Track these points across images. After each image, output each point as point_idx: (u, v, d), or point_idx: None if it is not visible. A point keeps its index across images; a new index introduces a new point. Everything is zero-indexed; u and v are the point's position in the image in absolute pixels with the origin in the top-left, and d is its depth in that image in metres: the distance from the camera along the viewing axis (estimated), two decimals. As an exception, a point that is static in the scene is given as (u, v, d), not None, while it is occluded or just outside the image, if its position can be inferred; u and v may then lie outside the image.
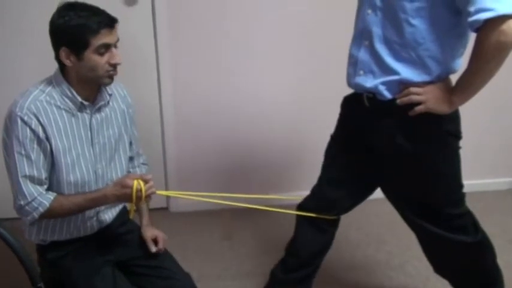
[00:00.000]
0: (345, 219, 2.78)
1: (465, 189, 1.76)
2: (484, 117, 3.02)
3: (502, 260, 1.88)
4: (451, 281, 1.92)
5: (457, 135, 1.70)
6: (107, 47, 1.64)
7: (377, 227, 2.75)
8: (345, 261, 2.46)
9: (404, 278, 2.31)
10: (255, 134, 2.93)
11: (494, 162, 3.21)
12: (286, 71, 2.82)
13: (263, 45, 2.77)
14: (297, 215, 1.98)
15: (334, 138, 1.91)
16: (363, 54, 1.65)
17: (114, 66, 1.67)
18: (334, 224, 1.99)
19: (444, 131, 1.66)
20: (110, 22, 1.63)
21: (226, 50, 2.75)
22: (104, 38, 1.61)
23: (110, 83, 1.73)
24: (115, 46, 1.67)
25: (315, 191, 1.95)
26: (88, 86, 1.71)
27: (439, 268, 1.90)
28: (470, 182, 3.10)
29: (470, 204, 1.79)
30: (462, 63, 1.60)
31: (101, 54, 1.63)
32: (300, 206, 1.97)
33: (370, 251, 2.55)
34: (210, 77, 2.79)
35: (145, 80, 2.75)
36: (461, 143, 1.70)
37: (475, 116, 2.95)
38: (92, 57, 1.63)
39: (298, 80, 2.84)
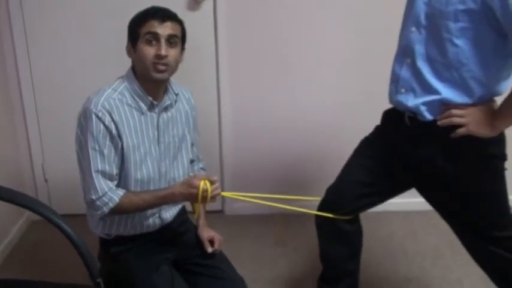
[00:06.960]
0: (401, 230, 2.75)
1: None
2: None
3: None
4: None
5: (502, 157, 1.64)
6: (156, 37, 1.69)
7: (434, 239, 2.69)
8: (400, 273, 2.42)
9: (462, 294, 2.26)
10: (312, 142, 2.92)
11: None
12: (339, 79, 2.80)
13: (321, 50, 2.76)
14: (316, 220, 1.91)
15: (368, 141, 1.86)
16: (404, 72, 1.63)
17: (159, 57, 1.69)
18: (355, 222, 1.91)
19: (488, 154, 1.61)
20: (161, 14, 1.70)
21: (286, 58, 2.77)
22: (150, 27, 1.69)
23: (159, 78, 1.74)
24: (168, 41, 1.70)
25: (334, 188, 1.90)
26: (152, 84, 1.76)
27: (498, 284, 1.84)
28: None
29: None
30: (509, 85, 1.55)
31: (149, 45, 1.69)
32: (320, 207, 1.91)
33: (426, 264, 2.49)
34: (268, 85, 2.81)
35: (204, 87, 2.79)
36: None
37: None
38: (141, 46, 1.71)
39: (351, 89, 2.80)
